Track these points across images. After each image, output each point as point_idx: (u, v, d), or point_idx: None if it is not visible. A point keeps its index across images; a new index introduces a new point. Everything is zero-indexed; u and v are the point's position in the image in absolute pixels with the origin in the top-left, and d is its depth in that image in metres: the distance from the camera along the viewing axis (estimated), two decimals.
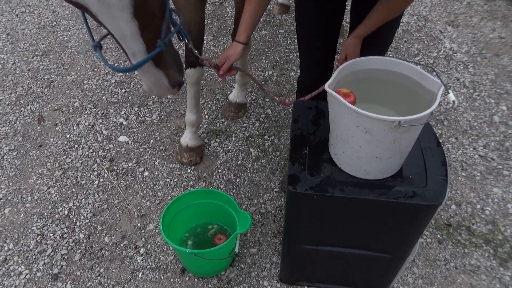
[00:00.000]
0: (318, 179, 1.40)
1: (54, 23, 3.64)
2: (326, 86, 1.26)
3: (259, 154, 2.49)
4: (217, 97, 2.87)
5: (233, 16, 3.54)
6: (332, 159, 1.46)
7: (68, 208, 2.23)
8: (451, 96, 1.23)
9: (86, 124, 2.72)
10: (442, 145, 2.43)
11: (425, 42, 3.29)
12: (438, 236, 2.05)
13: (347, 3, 1.71)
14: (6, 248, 2.07)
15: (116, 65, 1.04)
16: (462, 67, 3.02)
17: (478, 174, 2.31)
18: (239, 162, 2.44)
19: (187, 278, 1.93)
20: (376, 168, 1.36)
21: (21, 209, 2.24)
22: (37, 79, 3.08)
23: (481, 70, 2.99)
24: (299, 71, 3.04)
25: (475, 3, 3.70)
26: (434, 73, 1.33)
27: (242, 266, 1.97)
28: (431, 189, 1.34)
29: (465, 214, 2.13)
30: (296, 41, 2.94)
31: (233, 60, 1.67)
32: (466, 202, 2.18)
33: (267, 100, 2.84)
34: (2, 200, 2.28)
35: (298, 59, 3.13)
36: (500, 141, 2.49)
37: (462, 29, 3.41)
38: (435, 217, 2.10)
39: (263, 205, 2.22)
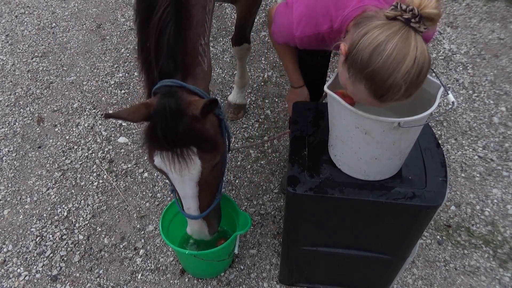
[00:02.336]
0: (317, 180, 1.40)
1: (54, 24, 3.64)
2: (326, 88, 1.26)
3: (259, 155, 2.49)
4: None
5: (232, 16, 3.55)
6: (331, 160, 1.46)
7: (67, 209, 2.23)
8: (451, 97, 1.23)
9: (86, 125, 2.72)
10: (442, 146, 2.44)
11: None
12: (438, 237, 2.05)
13: None
14: (5, 250, 2.06)
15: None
16: (461, 68, 3.03)
17: (478, 175, 2.31)
18: (239, 163, 2.44)
19: (186, 280, 1.93)
20: (375, 169, 1.36)
21: (20, 211, 2.24)
22: (37, 80, 3.07)
23: (480, 71, 3.00)
24: None
25: (474, 4, 3.70)
26: (434, 74, 1.32)
27: (242, 267, 1.97)
28: (431, 190, 1.34)
29: (464, 215, 2.13)
30: None
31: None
32: (465, 203, 2.19)
33: (267, 101, 2.84)
34: (1, 202, 2.28)
35: None
36: (500, 142, 2.49)
37: (461, 30, 3.41)
38: (435, 218, 2.10)
39: (262, 206, 2.22)
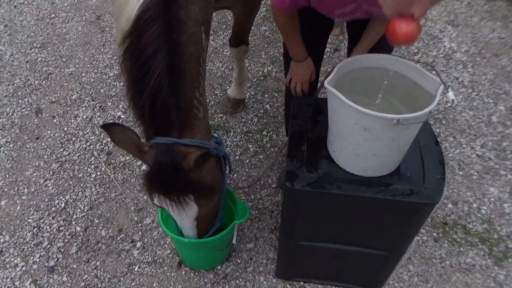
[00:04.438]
0: (315, 175, 1.40)
1: (53, 15, 3.61)
2: (326, 83, 1.26)
3: (257, 149, 2.49)
4: (215, 92, 2.86)
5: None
6: (330, 156, 1.46)
7: (64, 201, 2.23)
8: (451, 95, 1.23)
9: (84, 117, 2.71)
10: (440, 144, 2.44)
11: (425, 40, 3.29)
12: (434, 234, 2.06)
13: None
14: (2, 240, 2.06)
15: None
16: (461, 67, 3.02)
17: (475, 173, 2.32)
18: (237, 157, 2.44)
19: (183, 272, 1.93)
20: (374, 166, 1.36)
21: (17, 201, 2.23)
22: (35, 71, 3.06)
23: (480, 70, 2.99)
24: None
25: (475, 3, 3.69)
26: (434, 71, 1.32)
27: (239, 261, 1.98)
28: (429, 188, 1.34)
29: (461, 213, 2.14)
30: None
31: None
32: (462, 201, 2.19)
33: (266, 95, 2.84)
34: None
35: None
36: (498, 141, 2.49)
37: (462, 29, 3.40)
38: (432, 215, 2.11)
39: (260, 201, 2.22)
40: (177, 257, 1.98)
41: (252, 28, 3.35)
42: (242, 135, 2.57)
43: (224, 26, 3.45)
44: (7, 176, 2.36)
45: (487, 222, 2.10)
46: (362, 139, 1.27)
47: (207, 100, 2.79)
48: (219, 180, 1.42)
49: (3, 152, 2.49)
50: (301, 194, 1.39)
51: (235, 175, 2.35)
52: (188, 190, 1.26)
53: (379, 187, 1.35)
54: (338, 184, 1.37)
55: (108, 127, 1.20)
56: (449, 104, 1.23)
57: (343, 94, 1.21)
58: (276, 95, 2.84)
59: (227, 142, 2.53)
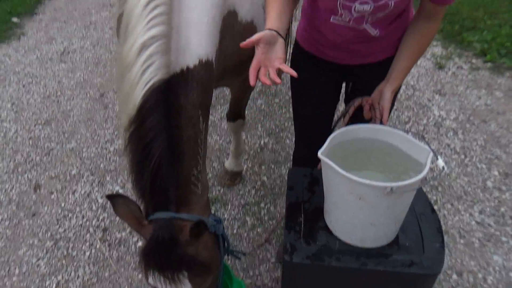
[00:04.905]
0: (314, 247, 1.37)
1: (59, 93, 3.79)
2: (319, 153, 1.29)
3: (255, 222, 2.46)
4: (213, 164, 2.91)
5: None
6: (327, 227, 1.45)
7: (56, 281, 2.15)
8: (440, 162, 1.26)
9: (82, 192, 2.72)
10: (438, 211, 2.42)
11: (415, 110, 3.42)
12: None
13: (343, 85, 1.79)
14: None
15: None
16: (452, 134, 3.11)
17: (477, 241, 2.28)
18: (235, 231, 2.41)
19: None
20: (372, 236, 1.35)
21: (7, 283, 2.15)
22: (37, 147, 3.13)
23: (470, 136, 3.08)
24: (294, 138, 3.12)
25: (460, 73, 3.91)
26: (424, 140, 1.37)
27: None
28: (429, 257, 1.31)
29: (467, 284, 2.06)
30: (291, 109, 3.04)
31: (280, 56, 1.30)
32: (467, 271, 2.12)
33: (263, 167, 2.88)
34: None
35: (293, 127, 3.23)
36: (495, 206, 2.48)
37: (449, 97, 3.56)
38: (436, 287, 2.03)
39: (259, 277, 2.15)
40: None
41: (249, 102, 3.50)
42: (240, 208, 2.56)
43: (222, 100, 3.60)
44: None
45: None
46: (357, 208, 1.28)
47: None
48: (215, 258, 1.38)
49: None
50: (300, 268, 1.35)
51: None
52: (183, 266, 1.23)
53: (379, 258, 1.33)
54: (337, 256, 1.34)
55: (112, 198, 1.23)
56: (440, 172, 1.26)
57: (336, 164, 1.24)
58: (273, 166, 2.88)
59: (225, 216, 2.51)
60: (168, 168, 1.26)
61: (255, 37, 1.24)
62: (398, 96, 3.60)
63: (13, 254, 2.30)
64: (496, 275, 2.10)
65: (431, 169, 2.62)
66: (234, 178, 2.70)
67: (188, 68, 1.35)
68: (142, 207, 1.33)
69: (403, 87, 3.75)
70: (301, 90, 1.81)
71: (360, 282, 1.37)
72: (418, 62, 4.09)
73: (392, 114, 3.39)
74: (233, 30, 1.64)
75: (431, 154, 1.29)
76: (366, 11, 1.36)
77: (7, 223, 2.50)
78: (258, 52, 1.27)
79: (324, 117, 1.81)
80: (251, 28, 1.74)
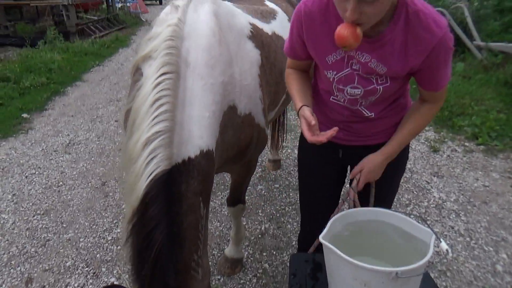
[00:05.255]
0: None
1: (61, 182, 3.83)
2: (321, 238, 1.28)
3: None
4: (213, 252, 2.83)
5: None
6: None
7: None
8: (444, 245, 1.24)
9: (75, 285, 2.60)
10: None
11: (414, 192, 3.44)
12: None
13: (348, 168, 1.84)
14: None
15: None
16: (454, 215, 3.09)
17: None
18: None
19: None
20: None
21: None
22: (34, 238, 3.07)
23: (473, 217, 3.05)
24: (295, 223, 3.08)
25: (455, 155, 4.01)
26: (426, 223, 1.37)
27: None
28: None
29: None
30: (291, 194, 3.06)
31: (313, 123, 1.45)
32: None
33: (265, 254, 2.80)
34: None
35: (294, 212, 3.21)
36: None
37: (447, 179, 3.60)
38: None
39: None
40: None
41: (249, 187, 3.53)
42: None
43: (222, 187, 3.63)
44: None
45: None
46: None
47: None
48: None
49: None
50: None
51: None
52: None
53: None
54: None
55: None
56: (444, 254, 1.24)
57: (339, 248, 1.22)
58: (274, 253, 2.80)
59: None
60: (168, 254, 1.25)
61: (312, 122, 1.38)
62: None
63: None
64: None
65: (437, 253, 2.55)
66: (234, 266, 2.61)
67: (189, 158, 1.41)
68: None
69: None
70: (306, 172, 1.85)
71: None
72: (413, 146, 4.22)
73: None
74: (233, 123, 1.74)
75: (434, 236, 1.28)
76: (358, 95, 1.48)
77: None
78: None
79: (329, 198, 1.82)
80: (249, 120, 1.84)
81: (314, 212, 1.87)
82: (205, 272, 1.41)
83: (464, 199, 3.30)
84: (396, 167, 1.68)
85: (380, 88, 1.44)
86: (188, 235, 1.32)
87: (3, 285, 2.63)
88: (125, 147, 1.41)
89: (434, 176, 3.68)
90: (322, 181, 1.80)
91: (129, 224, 1.31)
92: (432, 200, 3.31)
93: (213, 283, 2.55)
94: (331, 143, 1.67)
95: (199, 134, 1.46)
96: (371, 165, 1.58)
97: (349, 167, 1.84)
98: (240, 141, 1.82)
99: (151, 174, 1.29)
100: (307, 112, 1.41)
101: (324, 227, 1.70)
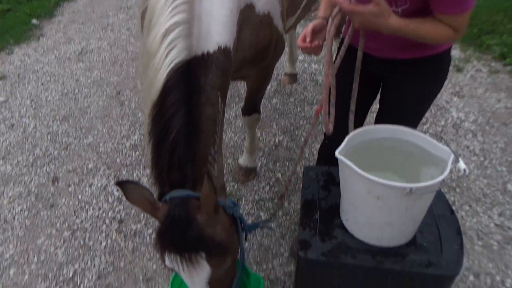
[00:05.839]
0: (329, 245, 1.37)
1: (76, 90, 3.85)
2: (337, 153, 1.29)
3: (269, 218, 2.46)
4: (228, 161, 2.92)
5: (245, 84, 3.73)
6: (343, 225, 1.44)
7: (73, 270, 2.19)
8: (462, 164, 1.24)
9: (99, 185, 2.76)
10: (456, 213, 2.38)
11: (432, 111, 3.37)
12: None
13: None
14: None
15: None
16: (470, 136, 3.06)
17: (495, 243, 2.23)
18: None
19: None
20: (389, 235, 1.34)
21: (26, 270, 2.20)
22: (55, 142, 3.18)
23: (490, 138, 3.02)
24: (309, 137, 3.11)
25: (478, 75, 3.84)
26: (443, 141, 1.35)
27: None
28: (447, 259, 1.30)
29: (484, 286, 2.03)
30: (306, 108, 3.03)
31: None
32: (484, 273, 2.09)
33: (277, 164, 2.88)
34: (8, 261, 2.26)
35: (308, 125, 3.21)
36: None
37: (467, 100, 3.50)
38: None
39: (272, 271, 2.15)
40: None
41: (264, 101, 3.50)
42: (254, 203, 2.56)
43: (237, 98, 3.61)
44: (18, 244, 2.36)
45: None
46: (375, 209, 1.27)
47: None
48: (233, 241, 1.37)
49: (17, 220, 2.51)
50: (315, 264, 1.35)
51: (246, 244, 2.30)
52: (200, 246, 1.21)
53: (396, 257, 1.31)
54: (352, 254, 1.33)
55: (123, 184, 1.21)
56: (461, 174, 1.24)
57: (354, 164, 1.23)
58: (287, 163, 2.87)
59: (247, 218, 2.52)
60: (185, 143, 1.27)
61: (309, 27, 1.45)
62: None
63: (32, 243, 2.35)
64: None
65: (450, 171, 2.58)
66: (248, 174, 2.71)
67: (208, 52, 1.41)
68: (157, 191, 1.34)
69: None
70: (340, 79, 1.77)
71: (375, 282, 1.36)
72: None
73: None
74: (250, 21, 1.70)
75: (452, 156, 1.27)
76: None
77: (26, 213, 2.56)
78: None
79: (359, 109, 1.78)
80: (267, 20, 1.80)
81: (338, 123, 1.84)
82: (220, 169, 1.45)
83: (483, 119, 3.24)
84: (432, 84, 1.61)
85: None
86: (205, 127, 1.34)
87: (32, 182, 2.80)
88: (144, 46, 1.41)
89: (455, 96, 3.57)
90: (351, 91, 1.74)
91: (149, 118, 1.33)
92: (450, 120, 3.26)
93: (228, 189, 2.67)
94: (365, 55, 1.58)
95: (217, 30, 1.45)
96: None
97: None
98: (259, 40, 1.79)
99: (171, 63, 1.29)
100: (310, 26, 1.46)
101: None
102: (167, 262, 1.27)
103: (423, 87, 1.62)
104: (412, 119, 1.73)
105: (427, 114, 3.33)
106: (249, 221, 2.45)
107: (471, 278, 2.07)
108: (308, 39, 1.46)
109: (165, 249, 1.23)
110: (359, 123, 1.82)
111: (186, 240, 1.20)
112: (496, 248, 2.21)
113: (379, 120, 1.78)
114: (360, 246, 1.36)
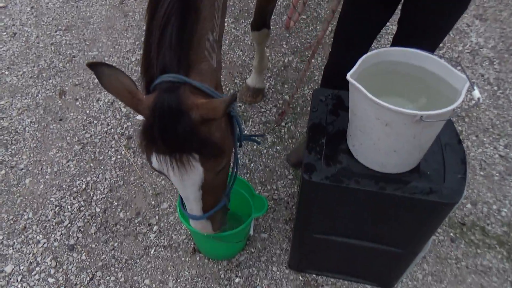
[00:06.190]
0: (334, 169, 1.39)
1: None
2: (348, 76, 1.24)
3: (275, 140, 2.49)
4: (235, 80, 2.87)
5: None
6: (349, 150, 1.45)
7: (85, 182, 2.29)
8: (476, 93, 1.20)
9: (106, 100, 2.75)
10: (462, 143, 2.39)
11: (451, 35, 3.20)
12: (451, 234, 2.04)
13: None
14: (25, 217, 2.14)
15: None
16: (487, 63, 2.94)
17: (497, 174, 2.27)
18: (255, 147, 2.45)
19: (197, 258, 1.97)
20: (393, 162, 1.35)
21: (41, 180, 2.30)
22: (60, 54, 3.11)
23: (507, 67, 2.90)
24: (319, 58, 3.00)
25: None
26: (460, 68, 1.29)
27: (252, 250, 2.00)
28: (449, 187, 1.32)
29: (480, 214, 2.11)
30: (318, 28, 2.88)
31: None
32: (482, 202, 2.16)
33: (286, 86, 2.82)
34: (23, 170, 2.35)
35: (319, 46, 3.08)
36: None
37: (490, 23, 3.29)
38: (449, 215, 2.08)
39: (276, 191, 2.23)
40: (192, 243, 2.02)
41: (274, 17, 3.32)
42: (261, 125, 2.57)
43: (246, 14, 3.42)
44: (31, 155, 2.43)
45: (507, 224, 2.07)
46: (383, 135, 1.26)
47: (227, 89, 2.80)
48: (228, 140, 1.24)
49: (28, 132, 2.56)
50: (319, 187, 1.39)
51: (252, 165, 2.36)
52: (193, 146, 1.06)
53: (398, 184, 1.34)
54: (356, 179, 1.36)
55: (95, 66, 1.01)
56: (474, 102, 1.20)
57: (365, 87, 1.19)
58: (296, 85, 2.81)
59: (245, 132, 2.54)
60: (179, 19, 1.09)
61: None
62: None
63: (44, 155, 2.43)
64: (511, 208, 2.13)
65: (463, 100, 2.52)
66: (256, 95, 2.67)
67: None
68: (144, 78, 1.19)
69: None
70: None
71: (377, 206, 1.41)
72: None
73: None
74: None
75: (468, 83, 1.23)
76: None
77: (36, 125, 2.60)
78: None
79: (370, 29, 1.69)
80: None
81: (348, 41, 1.76)
82: (218, 62, 1.28)
83: (503, 46, 3.08)
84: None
85: None
86: (203, 6, 1.16)
87: (39, 95, 2.80)
88: None
89: (477, 19, 3.36)
90: (365, 9, 1.64)
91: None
92: (468, 45, 3.11)
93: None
94: None
95: None
96: None
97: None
98: None
99: None
100: None
101: (355, 61, 1.63)
102: (154, 163, 1.11)
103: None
104: (434, 38, 1.63)
105: (445, 38, 3.17)
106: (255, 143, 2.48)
107: (469, 205, 2.14)
108: None
109: (152, 148, 1.07)
110: (365, 49, 1.74)
111: (177, 134, 1.02)
112: (497, 178, 2.25)
113: (396, 40, 1.69)
114: (364, 172, 1.38)
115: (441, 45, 3.11)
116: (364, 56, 1.35)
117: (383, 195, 1.33)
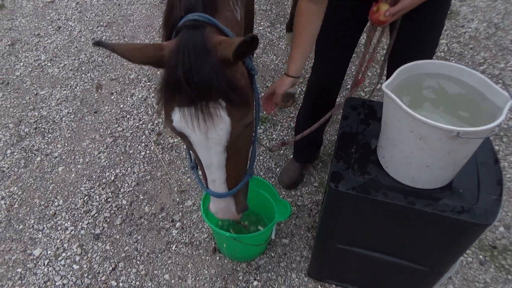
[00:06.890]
0: (362, 179, 1.37)
1: None
2: (384, 86, 1.22)
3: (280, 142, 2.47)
4: (267, 84, 2.87)
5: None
6: (379, 162, 1.42)
7: (114, 174, 2.35)
8: None
9: (139, 96, 2.82)
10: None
11: (493, 51, 3.08)
12: (481, 257, 1.95)
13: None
14: (56, 204, 2.22)
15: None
16: None
17: None
18: (281, 151, 2.44)
19: (217, 258, 1.98)
20: (425, 177, 1.31)
21: (73, 169, 2.38)
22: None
23: None
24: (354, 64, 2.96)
25: None
26: (502, 85, 1.24)
27: (273, 254, 1.99)
28: (482, 207, 1.27)
29: None
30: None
31: (281, 93, 1.55)
32: None
33: None
34: (57, 159, 2.44)
35: (354, 55, 3.04)
36: None
37: None
38: (480, 236, 1.99)
39: (300, 198, 2.21)
40: (213, 243, 2.03)
41: None
42: (289, 130, 2.56)
43: (282, 19, 3.43)
44: (66, 144, 2.52)
45: None
46: (416, 148, 1.23)
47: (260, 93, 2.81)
48: (252, 94, 1.17)
49: (64, 122, 2.66)
50: (345, 197, 1.36)
51: (277, 169, 2.35)
52: (220, 91, 0.95)
53: (428, 200, 1.30)
54: (384, 191, 1.33)
55: (102, 44, 0.93)
56: None
57: (400, 99, 1.16)
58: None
59: (274, 136, 2.53)
60: None
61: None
62: (477, 34, 3.25)
63: (77, 145, 2.52)
64: None
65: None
66: (286, 99, 2.67)
67: None
68: (166, 21, 1.14)
69: (484, 24, 3.34)
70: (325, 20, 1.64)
71: (405, 221, 1.36)
72: None
73: (466, 53, 3.08)
74: None
75: (510, 101, 1.17)
76: None
77: (72, 116, 2.70)
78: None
79: (350, 33, 1.66)
80: None
81: (331, 51, 1.71)
82: (241, 18, 1.22)
83: None
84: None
85: None
86: None
87: (77, 87, 2.91)
88: None
89: None
90: (340, 28, 1.62)
91: None
92: (511, 62, 2.98)
93: (264, 112, 2.66)
94: None
95: None
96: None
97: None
98: None
99: None
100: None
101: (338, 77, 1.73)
102: (176, 120, 1.00)
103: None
104: (429, 47, 1.60)
105: (486, 54, 3.06)
106: (283, 148, 2.47)
107: (501, 229, 2.05)
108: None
109: (175, 98, 0.97)
110: (346, 59, 1.74)
111: (203, 73, 0.93)
112: None
113: (394, 56, 1.62)
114: (393, 185, 1.35)
115: (482, 60, 3.00)
116: (401, 67, 1.32)
117: (412, 210, 1.30)
